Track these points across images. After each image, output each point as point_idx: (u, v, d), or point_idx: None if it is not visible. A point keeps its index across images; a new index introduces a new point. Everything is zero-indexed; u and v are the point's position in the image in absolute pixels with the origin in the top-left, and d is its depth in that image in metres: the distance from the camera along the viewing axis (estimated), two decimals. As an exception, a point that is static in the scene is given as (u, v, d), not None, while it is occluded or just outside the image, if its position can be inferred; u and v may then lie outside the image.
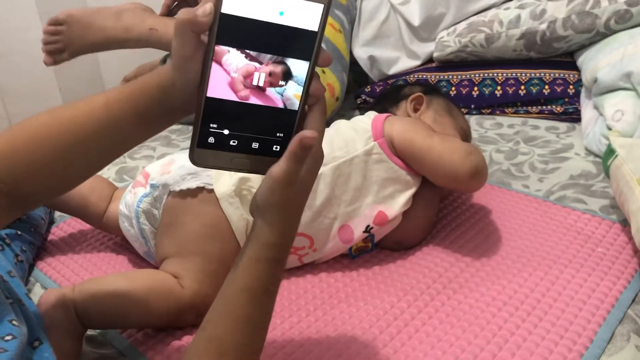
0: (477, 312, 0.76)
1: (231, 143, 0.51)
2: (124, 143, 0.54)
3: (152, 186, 0.84)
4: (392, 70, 1.46)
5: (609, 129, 1.08)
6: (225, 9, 0.46)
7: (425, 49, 1.47)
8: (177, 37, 0.47)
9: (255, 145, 0.52)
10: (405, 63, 1.48)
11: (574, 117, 1.29)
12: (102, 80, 2.54)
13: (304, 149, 0.50)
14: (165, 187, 0.83)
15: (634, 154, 0.87)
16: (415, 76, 1.44)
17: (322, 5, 0.47)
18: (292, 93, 0.50)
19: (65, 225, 1.02)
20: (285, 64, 0.49)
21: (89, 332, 0.77)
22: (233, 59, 0.47)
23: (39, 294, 0.85)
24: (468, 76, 1.39)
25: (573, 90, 1.29)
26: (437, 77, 1.42)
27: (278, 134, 0.52)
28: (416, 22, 1.42)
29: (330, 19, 1.33)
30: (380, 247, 0.91)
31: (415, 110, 1.01)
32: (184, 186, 0.82)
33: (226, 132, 0.51)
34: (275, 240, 0.53)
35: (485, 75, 1.38)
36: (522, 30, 1.31)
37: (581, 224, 0.93)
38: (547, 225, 0.93)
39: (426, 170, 0.87)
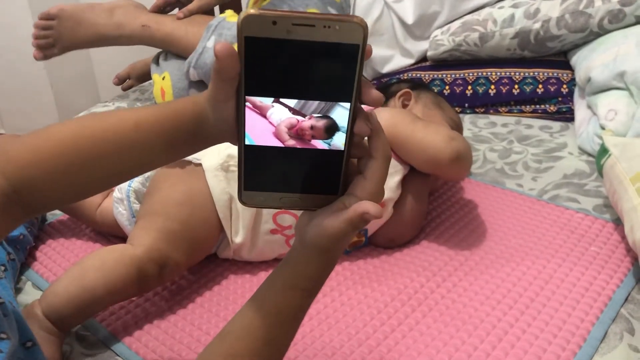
0: (471, 311, 0.76)
1: (278, 184, 0.50)
2: (148, 164, 0.53)
3: None
4: (386, 69, 1.46)
5: (602, 128, 1.08)
6: (250, 57, 0.44)
7: (419, 47, 1.46)
8: (212, 81, 0.46)
9: (302, 184, 0.51)
10: (399, 61, 1.47)
11: (567, 116, 1.29)
12: (94, 78, 2.53)
13: (363, 222, 0.49)
14: None
15: (628, 153, 0.87)
16: (409, 75, 1.43)
17: (359, 45, 0.44)
18: (340, 142, 0.48)
19: (57, 223, 1.01)
20: (329, 118, 0.47)
21: (81, 332, 0.76)
22: (277, 113, 0.46)
23: (30, 293, 0.85)
24: (462, 75, 1.39)
25: (566, 90, 1.30)
26: (431, 75, 1.42)
27: (325, 173, 0.50)
28: (410, 20, 1.42)
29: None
30: (374, 245, 0.91)
31: (404, 106, 1.01)
32: None
33: (271, 175, 0.50)
34: (312, 274, 0.53)
35: (479, 74, 1.37)
36: (516, 30, 1.31)
37: (574, 223, 0.93)
38: (541, 224, 0.93)
39: (409, 154, 0.88)
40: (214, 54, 0.43)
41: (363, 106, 0.48)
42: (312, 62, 0.44)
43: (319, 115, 0.47)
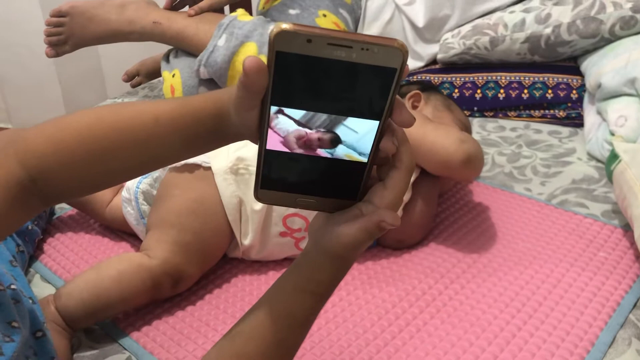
0: (479, 314, 0.76)
1: (295, 186, 0.49)
2: (165, 159, 0.53)
3: None
4: (396, 71, 1.46)
5: (612, 134, 1.08)
6: (280, 71, 0.42)
7: (429, 50, 1.47)
8: (237, 91, 0.45)
9: (320, 188, 0.50)
10: (408, 64, 1.47)
11: (576, 122, 1.29)
12: (103, 74, 2.53)
13: (379, 230, 0.48)
14: (165, 167, 0.86)
15: (638, 159, 0.87)
16: (419, 77, 1.43)
17: (396, 69, 0.42)
18: (342, 153, 0.47)
19: (65, 216, 1.01)
20: (333, 133, 0.46)
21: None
22: (282, 124, 0.45)
23: (38, 285, 0.85)
24: (471, 78, 1.39)
25: (576, 95, 1.29)
26: (441, 78, 1.42)
27: (345, 181, 0.49)
28: (421, 23, 1.42)
29: (334, 18, 1.33)
30: (382, 246, 0.91)
31: (414, 107, 1.01)
32: (182, 161, 0.83)
33: (289, 178, 0.49)
34: (325, 279, 0.52)
35: (489, 78, 1.37)
36: (526, 34, 1.31)
37: (583, 228, 0.93)
38: (549, 229, 0.93)
39: (420, 158, 0.88)
40: (242, 68, 0.42)
41: None
42: (345, 81, 0.43)
43: (324, 130, 0.46)
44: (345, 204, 0.50)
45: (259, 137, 0.47)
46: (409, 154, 0.49)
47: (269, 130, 0.46)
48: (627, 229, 0.91)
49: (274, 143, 0.47)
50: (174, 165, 0.85)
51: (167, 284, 0.78)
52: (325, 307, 0.77)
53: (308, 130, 0.45)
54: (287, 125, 0.45)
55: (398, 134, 0.48)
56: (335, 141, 0.47)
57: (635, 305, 0.76)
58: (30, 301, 0.66)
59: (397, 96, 0.45)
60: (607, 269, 0.83)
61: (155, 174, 0.87)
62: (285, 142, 0.46)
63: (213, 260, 0.85)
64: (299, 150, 0.47)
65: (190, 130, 0.50)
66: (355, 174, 0.49)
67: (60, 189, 0.50)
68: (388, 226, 0.48)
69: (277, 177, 0.49)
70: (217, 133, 0.51)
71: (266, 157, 0.47)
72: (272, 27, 0.41)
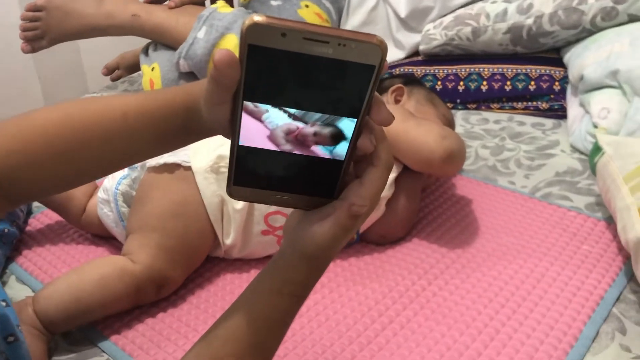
0: (463, 310, 0.75)
1: (269, 183, 0.48)
2: (137, 155, 0.51)
3: (131, 167, 0.85)
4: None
5: (595, 126, 1.08)
6: (253, 66, 0.40)
7: (412, 39, 1.45)
8: (207, 85, 0.44)
9: (295, 186, 0.48)
10: (391, 53, 1.46)
11: (559, 113, 1.28)
12: (83, 69, 2.49)
13: (352, 218, 0.46)
14: (143, 167, 0.84)
15: (621, 152, 0.87)
16: (401, 69, 1.42)
17: (375, 66, 0.41)
18: (343, 151, 0.46)
19: (42, 216, 0.99)
20: (335, 126, 0.44)
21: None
22: (273, 117, 0.43)
23: (14, 287, 0.83)
24: (454, 70, 1.38)
25: (559, 87, 1.29)
26: (423, 71, 1.41)
27: (322, 178, 0.48)
28: (402, 13, 1.41)
29: (317, 9, 1.32)
30: (365, 242, 0.90)
31: (397, 101, 1.00)
32: (161, 161, 0.82)
33: (263, 174, 0.47)
34: (301, 280, 0.50)
35: (471, 70, 1.37)
36: (508, 25, 1.30)
37: (567, 221, 0.92)
38: (533, 222, 0.93)
39: (401, 154, 0.87)
40: (212, 62, 0.41)
41: None
42: (321, 77, 0.41)
43: (326, 122, 0.43)
44: (322, 202, 0.49)
45: (231, 133, 0.45)
46: (387, 151, 0.47)
47: (250, 125, 0.44)
48: (610, 221, 0.91)
49: (256, 139, 0.44)
50: (152, 165, 0.83)
51: (150, 289, 0.76)
52: (307, 305, 0.77)
53: (301, 124, 0.43)
54: (278, 118, 0.43)
55: (376, 132, 0.46)
56: (337, 137, 0.45)
57: (618, 298, 0.76)
58: (4, 304, 0.64)
59: (376, 93, 0.44)
60: (591, 262, 0.83)
61: (134, 174, 0.85)
62: (271, 137, 0.44)
63: (197, 263, 0.83)
64: (285, 147, 0.45)
65: (160, 125, 0.49)
66: (332, 171, 0.47)
67: (27, 188, 0.48)
68: (359, 209, 0.46)
69: (250, 173, 0.47)
70: (187, 128, 0.49)
71: (239, 153, 0.46)
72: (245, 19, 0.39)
